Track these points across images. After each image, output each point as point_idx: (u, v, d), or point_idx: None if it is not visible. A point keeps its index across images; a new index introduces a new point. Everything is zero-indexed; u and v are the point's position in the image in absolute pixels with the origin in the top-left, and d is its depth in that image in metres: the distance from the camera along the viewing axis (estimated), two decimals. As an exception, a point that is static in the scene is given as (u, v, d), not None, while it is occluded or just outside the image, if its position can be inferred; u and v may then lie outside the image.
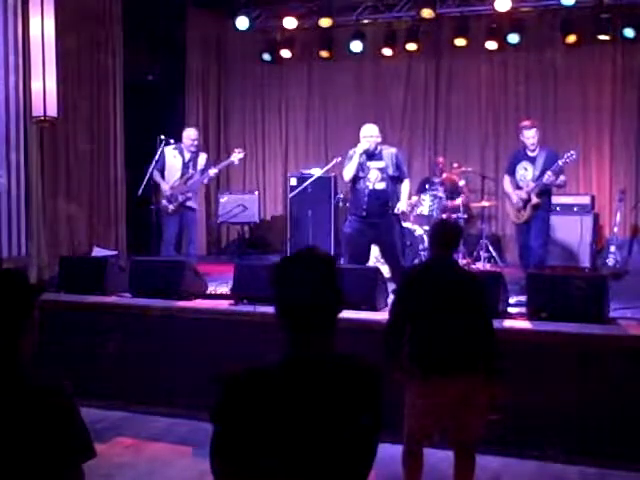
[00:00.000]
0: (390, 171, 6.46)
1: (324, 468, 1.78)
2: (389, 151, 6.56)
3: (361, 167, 6.47)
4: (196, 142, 7.78)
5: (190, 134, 7.76)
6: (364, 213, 6.45)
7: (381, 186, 6.44)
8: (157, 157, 7.58)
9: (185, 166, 7.64)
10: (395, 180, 6.54)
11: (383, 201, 6.44)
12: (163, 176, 7.62)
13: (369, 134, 6.48)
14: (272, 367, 1.82)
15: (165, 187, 7.57)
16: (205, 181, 7.94)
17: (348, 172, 6.50)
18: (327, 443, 1.77)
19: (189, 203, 7.64)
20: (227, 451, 1.79)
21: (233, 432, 1.77)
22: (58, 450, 1.86)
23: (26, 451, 1.83)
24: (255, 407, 1.76)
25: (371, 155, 6.48)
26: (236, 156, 7.83)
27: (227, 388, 1.81)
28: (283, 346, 1.85)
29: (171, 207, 7.54)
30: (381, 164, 6.47)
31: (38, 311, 2.03)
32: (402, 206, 6.61)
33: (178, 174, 7.62)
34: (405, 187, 6.62)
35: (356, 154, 6.43)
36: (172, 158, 7.64)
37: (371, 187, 6.43)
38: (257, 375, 1.81)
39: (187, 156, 7.68)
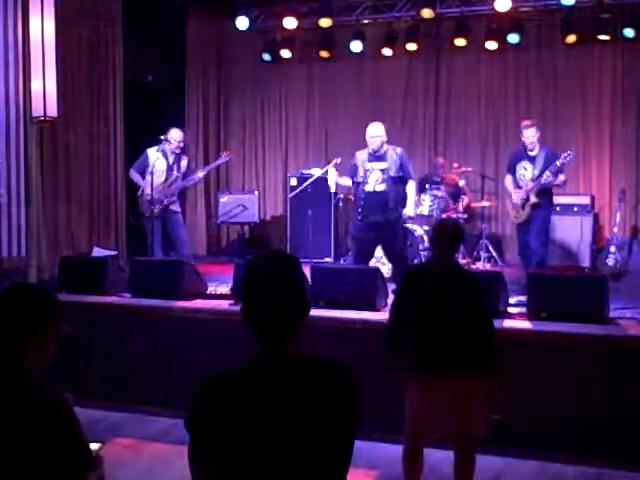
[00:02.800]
0: (392, 172, 6.41)
1: (304, 468, 1.78)
2: (394, 151, 6.51)
3: (363, 169, 6.49)
4: (181, 144, 7.54)
5: (175, 136, 7.47)
6: (359, 217, 6.48)
7: (381, 188, 6.42)
8: (140, 160, 7.45)
9: (169, 169, 7.44)
10: (398, 181, 6.48)
11: (382, 203, 6.40)
12: (143, 177, 7.39)
13: (375, 134, 6.46)
14: (248, 369, 1.82)
15: (149, 191, 7.26)
16: (191, 183, 7.82)
17: (334, 185, 6.71)
18: (308, 442, 1.78)
19: (173, 207, 7.48)
20: (206, 459, 1.77)
21: (212, 438, 1.76)
22: (59, 461, 1.86)
23: (25, 461, 1.84)
24: (235, 410, 1.75)
25: (374, 156, 6.47)
26: (223, 159, 7.87)
27: (203, 394, 1.79)
28: (255, 347, 1.85)
29: (155, 210, 7.28)
30: (383, 165, 6.43)
31: (57, 328, 2.08)
32: (409, 211, 6.62)
33: (163, 177, 7.39)
34: (410, 189, 6.56)
35: (344, 178, 6.66)
36: (155, 160, 7.37)
37: (370, 189, 6.42)
38: (233, 378, 1.81)
39: (171, 159, 7.46)
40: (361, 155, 6.55)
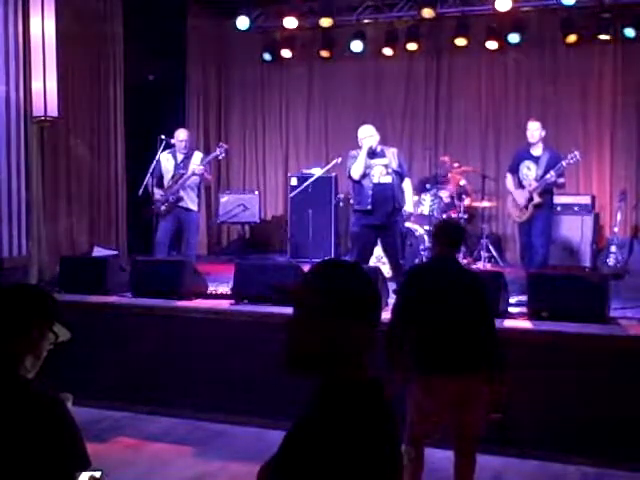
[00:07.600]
0: (394, 166, 6.56)
1: None
2: (390, 150, 6.70)
3: (366, 166, 6.51)
4: (184, 143, 7.66)
5: (178, 135, 7.68)
6: (369, 207, 6.48)
7: (387, 179, 6.53)
8: (153, 164, 7.53)
9: (177, 167, 7.61)
10: (398, 174, 6.61)
11: (389, 194, 6.48)
12: (160, 184, 7.57)
13: (369, 134, 6.57)
14: None
15: (156, 191, 7.53)
16: (197, 179, 7.81)
17: (357, 170, 6.53)
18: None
19: (182, 203, 7.56)
20: None
21: None
22: (53, 460, 1.86)
23: (21, 460, 1.84)
24: None
25: (373, 154, 6.56)
26: (218, 152, 7.79)
27: None
28: None
29: (163, 208, 7.50)
30: (384, 160, 6.57)
31: (53, 329, 2.07)
32: (409, 208, 6.87)
33: (170, 175, 7.60)
34: (407, 186, 6.76)
35: (362, 151, 6.50)
36: (165, 162, 7.62)
37: (376, 181, 6.50)
38: None
39: (179, 157, 7.65)
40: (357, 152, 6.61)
